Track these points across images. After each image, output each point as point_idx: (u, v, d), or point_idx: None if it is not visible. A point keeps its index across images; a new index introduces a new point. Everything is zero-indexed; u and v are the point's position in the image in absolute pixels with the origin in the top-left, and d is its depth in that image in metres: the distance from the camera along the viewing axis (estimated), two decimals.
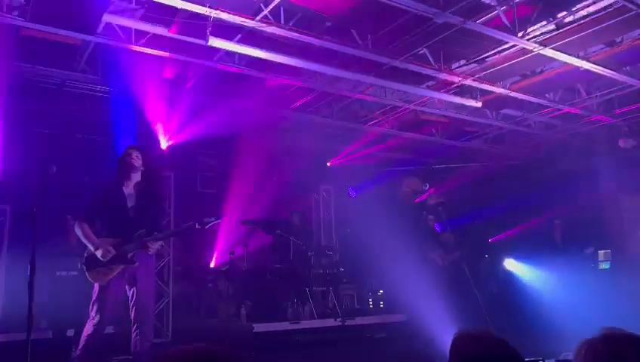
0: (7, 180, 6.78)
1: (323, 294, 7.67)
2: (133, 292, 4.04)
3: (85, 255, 4.03)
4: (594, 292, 6.54)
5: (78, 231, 4.02)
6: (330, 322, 7.07)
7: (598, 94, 7.44)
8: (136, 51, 5.49)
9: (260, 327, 6.49)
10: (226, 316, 7.37)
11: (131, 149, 4.35)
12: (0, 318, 6.13)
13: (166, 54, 5.78)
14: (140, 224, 4.08)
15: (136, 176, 4.26)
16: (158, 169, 7.70)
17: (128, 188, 4.21)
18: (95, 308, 3.93)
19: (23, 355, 3.23)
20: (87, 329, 3.91)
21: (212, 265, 8.72)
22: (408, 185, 6.32)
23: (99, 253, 3.92)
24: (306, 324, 6.90)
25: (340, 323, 7.04)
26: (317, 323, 7.01)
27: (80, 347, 3.86)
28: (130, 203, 4.17)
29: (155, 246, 4.13)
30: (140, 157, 4.30)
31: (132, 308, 4.03)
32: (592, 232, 7.92)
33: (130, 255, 3.99)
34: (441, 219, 6.39)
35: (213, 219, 4.17)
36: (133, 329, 4.01)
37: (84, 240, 4.00)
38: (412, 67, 6.08)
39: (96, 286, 3.98)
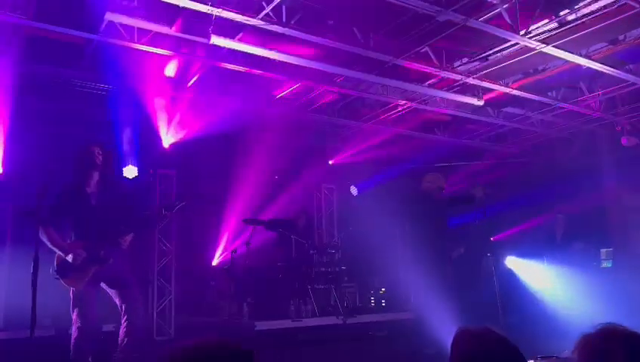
0: (10, 178, 6.80)
1: (325, 292, 7.67)
2: (115, 289, 3.97)
3: (55, 262, 3.87)
4: (596, 290, 6.54)
5: (43, 238, 3.79)
6: (332, 320, 7.08)
7: (600, 92, 7.43)
8: (138, 50, 5.50)
9: (262, 325, 6.51)
10: (228, 314, 7.39)
11: (93, 146, 4.09)
12: (3, 316, 6.17)
13: (168, 53, 5.79)
14: (107, 221, 3.94)
15: (97, 175, 4.06)
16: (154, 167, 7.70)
17: (90, 187, 4.05)
18: (76, 312, 3.86)
19: (26, 352, 3.25)
20: (74, 333, 3.86)
21: (214, 263, 8.74)
22: (432, 180, 6.13)
23: (69, 258, 3.79)
24: (308, 322, 6.91)
25: (342, 322, 7.05)
26: (319, 321, 7.02)
27: (72, 352, 3.84)
28: (94, 201, 4.01)
29: (127, 240, 4.00)
30: (101, 153, 4.08)
31: (120, 305, 3.98)
32: (594, 230, 7.91)
33: (102, 253, 3.89)
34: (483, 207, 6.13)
35: (177, 203, 4.15)
36: (122, 321, 3.96)
37: (52, 247, 3.83)
38: (414, 65, 6.08)
39: (72, 291, 3.88)
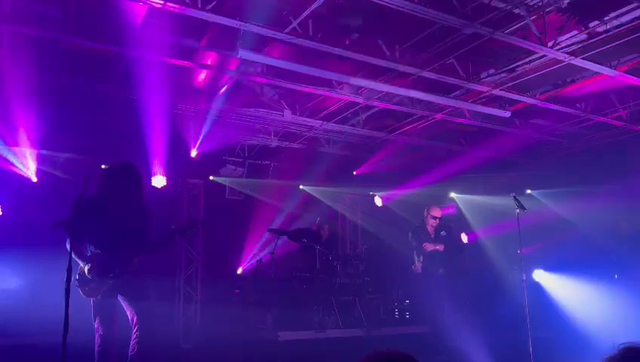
0: (44, 187, 7.03)
1: (349, 304, 7.65)
2: (128, 302, 4.03)
3: (78, 272, 3.96)
4: (624, 306, 6.38)
5: (68, 247, 3.83)
6: (356, 332, 7.05)
7: (631, 103, 7.28)
8: (168, 63, 5.64)
9: (285, 335, 6.52)
10: (252, 323, 7.43)
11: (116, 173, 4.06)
12: (38, 321, 6.33)
13: (197, 65, 5.93)
14: (127, 235, 3.97)
15: (121, 193, 4.07)
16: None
17: (112, 203, 4.07)
18: (97, 320, 3.97)
19: (59, 358, 3.34)
20: (97, 342, 3.96)
21: (239, 271, 8.82)
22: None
23: (86, 270, 3.89)
24: (331, 334, 6.90)
25: (366, 334, 7.01)
26: (342, 332, 7.00)
27: (96, 360, 3.94)
28: (114, 217, 4.03)
29: (135, 262, 4.02)
30: (116, 185, 4.04)
31: (131, 317, 4.04)
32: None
33: (117, 268, 3.93)
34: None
35: (189, 227, 4.34)
36: (133, 332, 4.02)
37: (75, 257, 3.87)
38: (440, 77, 6.06)
39: (92, 301, 3.98)
